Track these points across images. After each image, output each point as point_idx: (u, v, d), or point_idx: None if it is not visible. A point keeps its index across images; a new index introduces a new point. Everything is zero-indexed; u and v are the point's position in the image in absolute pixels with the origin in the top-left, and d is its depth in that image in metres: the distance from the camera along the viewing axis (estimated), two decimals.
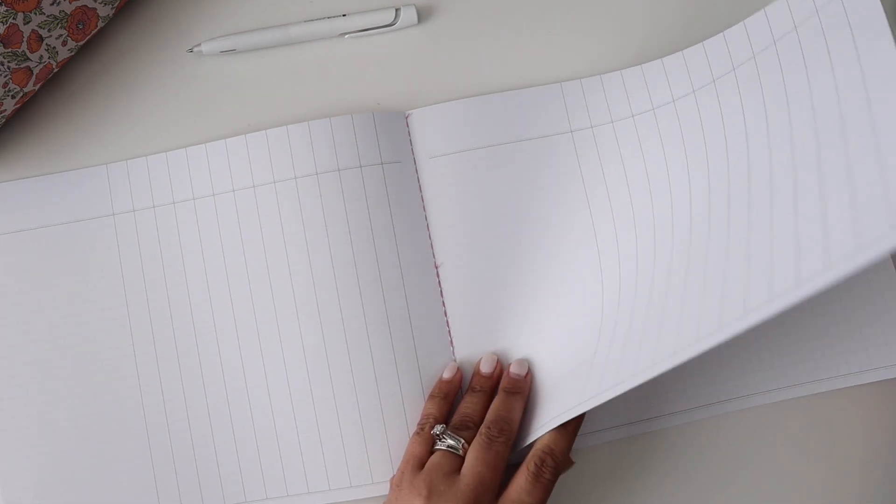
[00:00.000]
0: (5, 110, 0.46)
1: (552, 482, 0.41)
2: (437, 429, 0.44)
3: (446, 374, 0.46)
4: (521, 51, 0.51)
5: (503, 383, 0.45)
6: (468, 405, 0.45)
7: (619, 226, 0.47)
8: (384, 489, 0.45)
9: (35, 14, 0.43)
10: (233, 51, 0.50)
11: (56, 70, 0.47)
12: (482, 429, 0.43)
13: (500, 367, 0.46)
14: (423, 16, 0.51)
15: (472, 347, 0.47)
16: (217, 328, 0.47)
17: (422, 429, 0.44)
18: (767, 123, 0.45)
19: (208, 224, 0.48)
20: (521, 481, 0.41)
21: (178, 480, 0.46)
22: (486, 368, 0.46)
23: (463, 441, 0.43)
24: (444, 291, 0.47)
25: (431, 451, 0.43)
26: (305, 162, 0.47)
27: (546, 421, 0.43)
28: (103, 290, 0.47)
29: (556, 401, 0.45)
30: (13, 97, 0.45)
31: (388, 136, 0.48)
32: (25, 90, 0.46)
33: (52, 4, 0.44)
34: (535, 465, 0.41)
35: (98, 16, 0.47)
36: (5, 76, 0.44)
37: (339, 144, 0.48)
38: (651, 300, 0.45)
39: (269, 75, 0.50)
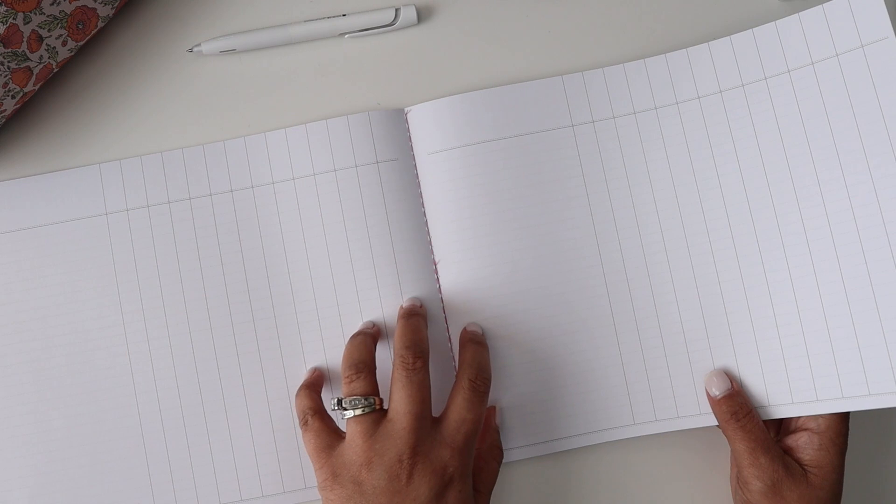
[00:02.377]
0: (5, 110, 0.46)
1: (486, 395, 0.43)
2: (332, 404, 0.42)
3: (308, 376, 0.45)
4: (521, 51, 0.50)
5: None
6: (349, 353, 0.43)
7: (620, 222, 0.47)
8: None
9: (35, 14, 0.43)
10: (233, 51, 0.50)
11: (56, 70, 0.47)
12: (396, 361, 0.42)
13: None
14: (423, 16, 0.51)
15: None
16: (213, 327, 0.47)
17: (305, 422, 0.43)
18: (782, 141, 0.45)
19: (205, 224, 0.48)
20: (458, 400, 0.42)
21: (173, 479, 0.46)
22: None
23: (366, 399, 0.41)
24: (442, 288, 0.47)
25: (334, 432, 0.42)
26: (302, 163, 0.48)
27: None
28: (97, 289, 0.47)
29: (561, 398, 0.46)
30: (13, 97, 0.45)
31: (386, 134, 0.48)
32: (25, 90, 0.46)
33: (52, 4, 0.44)
34: (469, 380, 0.42)
35: (98, 16, 0.47)
36: (5, 76, 0.44)
37: (336, 145, 0.48)
38: (653, 295, 0.47)
39: (269, 75, 0.50)
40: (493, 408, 0.46)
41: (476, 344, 0.44)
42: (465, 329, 0.46)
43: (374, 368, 0.43)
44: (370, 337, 0.44)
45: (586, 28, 0.51)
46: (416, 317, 0.44)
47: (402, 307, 0.46)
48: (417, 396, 0.41)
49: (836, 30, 0.44)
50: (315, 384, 0.45)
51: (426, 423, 0.41)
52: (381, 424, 0.41)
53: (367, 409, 0.41)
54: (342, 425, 0.43)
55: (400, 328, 0.44)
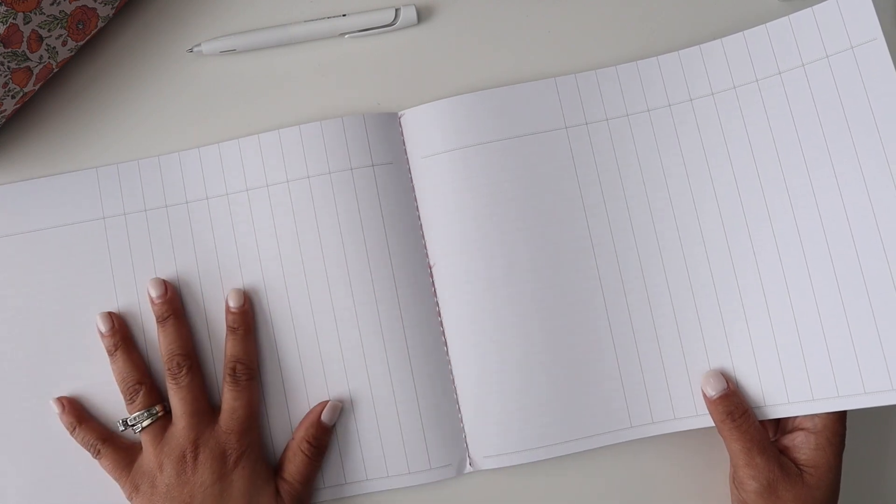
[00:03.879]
0: (5, 110, 0.46)
1: (250, 382, 0.45)
2: (119, 427, 0.45)
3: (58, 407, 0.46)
4: (521, 51, 0.50)
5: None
6: (120, 376, 0.46)
7: (614, 224, 0.47)
8: (368, 487, 0.46)
9: (35, 14, 0.43)
10: (233, 51, 0.50)
11: (56, 70, 0.47)
12: (165, 370, 0.45)
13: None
14: (423, 16, 0.51)
15: (466, 348, 0.47)
16: (210, 332, 0.47)
17: (98, 452, 0.45)
18: (774, 143, 0.45)
19: (202, 228, 0.48)
20: (225, 392, 0.45)
21: None
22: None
23: (148, 411, 0.44)
24: (437, 291, 0.47)
25: (124, 446, 0.45)
26: (297, 166, 0.48)
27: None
28: (94, 293, 0.47)
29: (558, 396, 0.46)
30: (13, 97, 0.46)
31: (380, 137, 0.48)
32: (25, 90, 0.46)
33: (52, 4, 0.44)
34: (229, 375, 0.45)
35: (98, 16, 0.47)
36: (5, 76, 0.44)
37: (330, 148, 0.48)
38: (649, 296, 0.47)
39: (269, 75, 0.50)
40: (324, 403, 0.46)
41: (232, 332, 0.46)
42: (226, 316, 0.47)
43: (148, 378, 0.46)
44: (128, 351, 0.46)
45: (586, 29, 0.51)
46: (169, 319, 0.46)
47: (152, 303, 0.46)
48: (189, 397, 0.45)
49: (826, 32, 0.44)
50: (82, 416, 0.46)
51: (204, 417, 0.45)
52: (167, 429, 0.45)
53: (152, 420, 0.45)
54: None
55: (159, 336, 0.46)
